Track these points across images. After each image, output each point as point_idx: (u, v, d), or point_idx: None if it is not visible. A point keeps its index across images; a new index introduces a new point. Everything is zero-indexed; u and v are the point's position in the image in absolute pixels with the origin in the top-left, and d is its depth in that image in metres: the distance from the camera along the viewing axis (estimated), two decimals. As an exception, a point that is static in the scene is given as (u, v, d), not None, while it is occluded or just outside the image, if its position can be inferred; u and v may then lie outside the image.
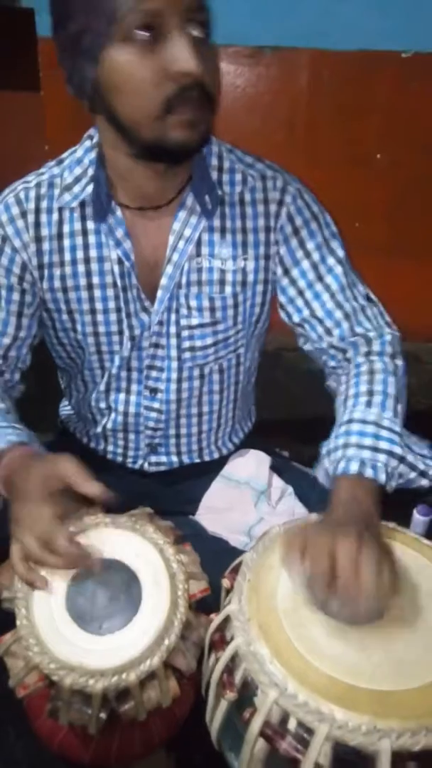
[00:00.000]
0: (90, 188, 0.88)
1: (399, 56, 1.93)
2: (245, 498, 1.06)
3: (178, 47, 0.72)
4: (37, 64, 1.87)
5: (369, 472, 0.78)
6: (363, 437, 0.82)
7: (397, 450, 0.81)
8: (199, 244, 0.91)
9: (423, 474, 0.84)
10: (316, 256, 0.93)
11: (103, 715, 0.68)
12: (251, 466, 1.10)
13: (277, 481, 1.09)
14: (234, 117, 2.03)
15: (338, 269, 0.93)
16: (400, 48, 1.92)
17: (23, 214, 0.91)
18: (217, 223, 0.91)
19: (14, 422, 0.89)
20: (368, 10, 1.84)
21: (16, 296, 0.94)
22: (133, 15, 0.71)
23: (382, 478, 0.79)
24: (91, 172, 0.88)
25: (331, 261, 0.93)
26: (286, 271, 0.94)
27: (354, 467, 0.79)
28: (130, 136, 0.78)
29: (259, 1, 1.83)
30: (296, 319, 0.96)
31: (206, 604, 0.76)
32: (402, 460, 0.82)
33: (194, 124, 0.76)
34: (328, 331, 0.94)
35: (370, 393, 0.88)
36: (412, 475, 0.83)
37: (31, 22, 1.77)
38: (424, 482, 0.84)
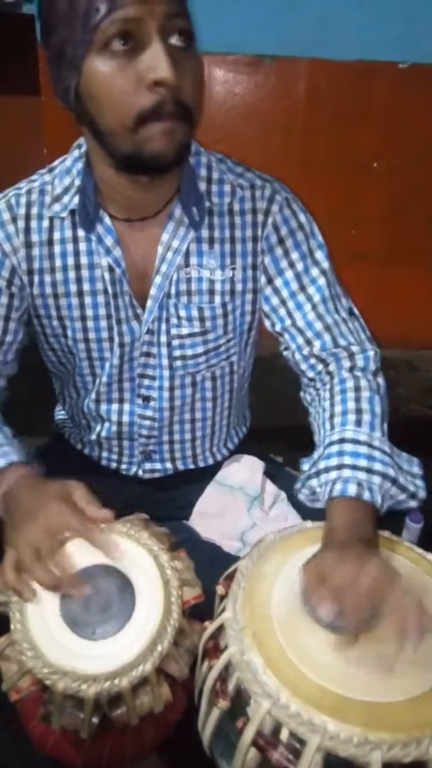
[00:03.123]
0: (77, 198, 0.88)
1: (396, 67, 1.95)
2: (238, 503, 1.07)
3: (153, 56, 0.71)
4: (37, 68, 1.88)
5: (366, 495, 0.77)
6: (357, 458, 0.81)
7: (390, 472, 0.80)
8: (187, 254, 0.91)
9: (413, 496, 0.83)
10: (299, 266, 0.93)
11: (95, 720, 0.68)
12: (245, 471, 1.10)
13: (271, 487, 1.09)
14: (232, 125, 2.04)
15: (321, 280, 0.93)
16: (397, 59, 1.94)
17: (14, 220, 0.91)
18: (205, 233, 0.91)
19: (10, 437, 0.89)
20: (366, 21, 1.86)
21: (4, 300, 0.94)
22: (109, 24, 0.70)
23: (378, 500, 0.78)
24: (78, 182, 0.88)
25: (314, 272, 0.93)
26: (270, 280, 0.94)
27: (352, 489, 0.77)
28: (109, 147, 0.78)
29: (258, 11, 1.85)
30: (278, 328, 0.96)
31: (200, 611, 0.76)
32: (394, 482, 0.81)
33: (169, 137, 0.75)
34: (308, 342, 0.94)
35: (359, 411, 0.86)
36: (402, 496, 0.82)
37: (32, 27, 1.78)
38: (413, 503, 0.83)
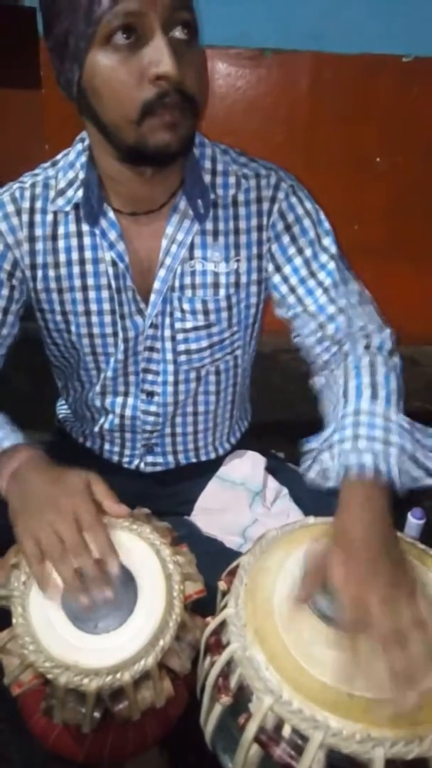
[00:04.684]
0: (81, 192, 0.88)
1: (400, 60, 1.94)
2: (240, 499, 1.07)
3: (155, 50, 0.71)
4: (39, 62, 1.87)
5: (383, 466, 0.73)
6: (374, 429, 0.77)
7: (408, 445, 0.77)
8: (192, 247, 0.91)
9: (430, 473, 0.78)
10: (308, 252, 0.92)
11: (97, 714, 0.68)
12: (246, 467, 1.10)
13: (272, 483, 1.09)
14: (234, 119, 2.03)
15: (331, 265, 0.92)
16: (400, 52, 1.93)
17: (18, 212, 0.90)
18: (209, 226, 0.91)
19: (8, 422, 0.88)
20: (369, 14, 1.85)
21: (4, 292, 0.93)
22: (111, 17, 0.70)
23: (395, 472, 0.74)
24: (82, 175, 0.88)
25: (323, 257, 0.92)
26: (278, 268, 0.94)
27: (368, 460, 0.73)
28: (113, 140, 0.78)
29: (260, 4, 1.84)
30: (289, 314, 0.95)
31: (202, 606, 0.76)
32: (412, 456, 0.77)
33: (174, 128, 0.75)
34: (322, 326, 0.92)
35: (374, 385, 0.83)
36: (419, 473, 0.77)
37: (33, 20, 1.77)
38: (430, 481, 0.78)
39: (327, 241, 0.93)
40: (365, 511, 0.70)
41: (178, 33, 0.73)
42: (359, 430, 0.77)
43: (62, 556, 0.71)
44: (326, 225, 0.94)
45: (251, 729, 0.61)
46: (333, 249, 0.93)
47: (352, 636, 0.63)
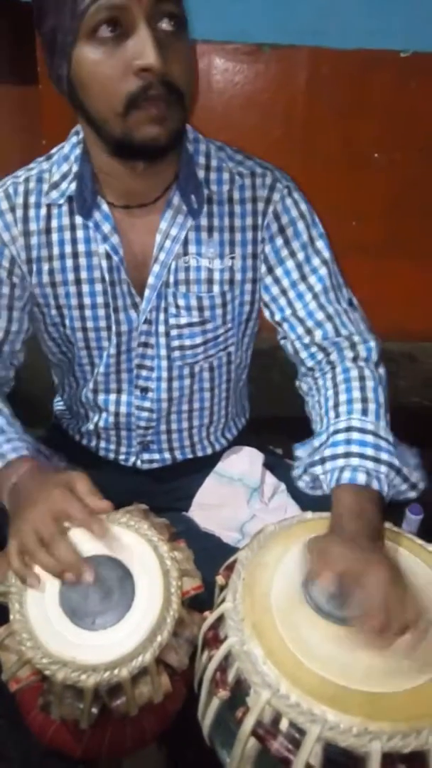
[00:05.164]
0: (74, 185, 0.88)
1: (398, 55, 1.93)
2: (238, 495, 1.07)
3: (138, 42, 0.71)
4: (35, 58, 1.86)
5: (375, 483, 0.77)
6: (365, 447, 0.80)
7: (396, 462, 0.81)
8: (186, 243, 0.91)
9: (413, 486, 0.84)
10: (300, 256, 0.93)
11: (94, 710, 0.68)
12: (244, 463, 1.10)
13: (270, 478, 1.09)
14: (232, 114, 2.03)
15: (323, 270, 0.93)
16: (399, 47, 1.92)
17: (12, 209, 0.90)
18: (204, 221, 0.91)
19: (22, 432, 0.89)
20: (367, 9, 1.84)
21: (5, 290, 0.94)
22: (95, 10, 0.70)
23: (386, 489, 0.78)
24: (75, 168, 0.88)
25: (316, 261, 0.93)
26: (270, 270, 0.94)
27: (362, 478, 0.77)
28: (101, 133, 0.78)
29: (258, -1, 1.83)
30: (277, 317, 0.96)
31: (199, 601, 0.76)
32: (399, 472, 0.81)
33: (160, 121, 0.75)
34: (309, 331, 0.93)
35: (365, 400, 0.86)
36: (404, 486, 0.83)
37: (30, 16, 1.76)
38: (412, 494, 0.84)
39: (320, 245, 0.93)
40: (356, 523, 0.73)
41: (164, 24, 0.73)
42: (351, 447, 0.81)
43: (37, 548, 0.73)
44: (320, 228, 0.94)
45: (249, 723, 0.61)
46: (326, 253, 0.93)
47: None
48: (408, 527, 1.37)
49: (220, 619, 0.70)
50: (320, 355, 0.94)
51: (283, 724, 0.61)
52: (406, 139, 2.04)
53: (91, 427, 1.08)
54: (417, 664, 0.63)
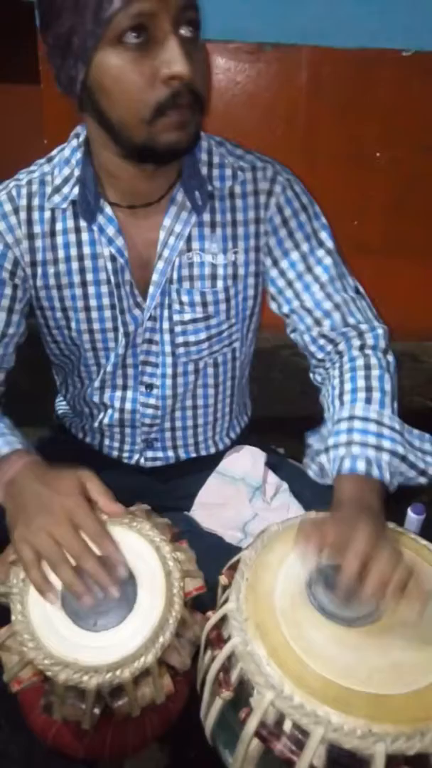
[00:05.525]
0: (77, 190, 0.88)
1: (399, 55, 1.93)
2: (240, 494, 1.07)
3: (168, 50, 0.71)
4: (37, 57, 1.86)
5: (375, 472, 0.78)
6: (366, 435, 0.81)
7: (400, 449, 0.81)
8: (189, 239, 0.91)
9: (423, 473, 0.84)
10: (305, 247, 0.93)
11: (96, 711, 0.68)
12: (247, 462, 1.10)
13: (272, 478, 1.09)
14: (233, 113, 2.02)
15: (328, 260, 0.93)
16: (400, 46, 1.92)
17: (15, 211, 0.90)
18: (207, 217, 0.91)
19: (12, 427, 0.87)
20: (369, 8, 1.84)
21: (7, 291, 0.93)
22: (123, 17, 0.70)
23: (387, 477, 0.78)
24: (77, 173, 0.88)
25: (320, 252, 0.93)
26: (275, 262, 0.94)
27: (361, 466, 0.78)
28: (120, 138, 0.78)
29: (260, -3, 1.83)
30: (285, 309, 0.96)
31: (202, 602, 0.76)
32: (404, 459, 0.81)
33: (185, 126, 0.75)
34: (318, 322, 0.94)
35: (369, 389, 0.86)
36: (412, 473, 0.83)
37: (32, 15, 1.75)
38: (423, 480, 0.84)
39: (324, 235, 0.94)
40: (357, 508, 0.73)
41: (184, 31, 0.73)
42: (353, 436, 0.81)
43: (60, 559, 0.71)
44: (322, 219, 0.95)
45: (252, 724, 0.61)
46: (329, 243, 0.94)
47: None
48: (410, 527, 1.36)
49: (224, 619, 0.70)
50: (329, 347, 0.94)
51: (287, 726, 0.60)
52: (407, 139, 2.04)
53: (95, 424, 1.08)
54: (421, 665, 0.63)
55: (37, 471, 0.79)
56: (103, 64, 0.73)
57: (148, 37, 0.71)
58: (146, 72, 0.72)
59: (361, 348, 0.92)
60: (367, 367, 0.89)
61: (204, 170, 0.90)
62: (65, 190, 0.89)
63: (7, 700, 0.73)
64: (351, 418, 0.84)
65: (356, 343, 0.92)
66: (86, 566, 0.70)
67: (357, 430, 0.82)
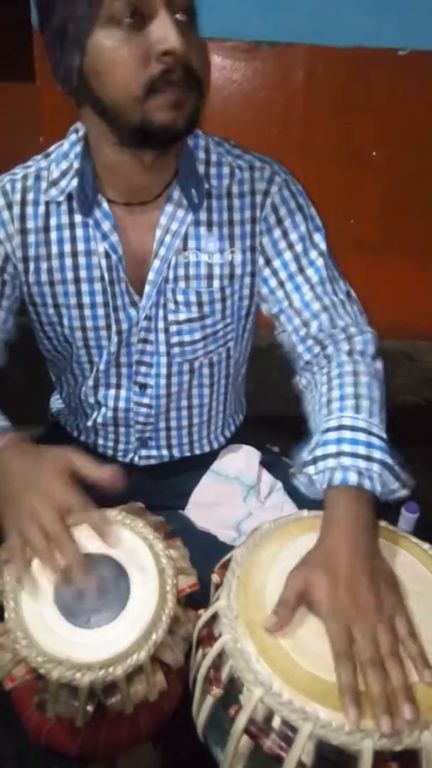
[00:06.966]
0: (75, 182, 0.88)
1: (395, 54, 1.94)
2: (234, 493, 1.07)
3: (161, 27, 0.72)
4: (33, 54, 1.86)
5: (367, 483, 0.74)
6: (356, 445, 0.78)
7: (389, 460, 0.78)
8: (186, 238, 0.91)
9: (404, 485, 0.80)
10: (298, 248, 0.93)
11: (90, 708, 0.68)
12: (241, 461, 1.10)
13: (267, 477, 1.09)
14: (229, 112, 2.03)
15: (320, 262, 0.93)
16: (396, 45, 1.92)
17: (8, 206, 0.90)
18: (204, 216, 0.91)
19: None
20: (365, 7, 1.84)
21: None
22: None
23: (378, 488, 0.75)
24: (76, 165, 0.88)
25: (313, 254, 0.93)
26: (268, 262, 0.94)
27: (353, 478, 0.74)
28: (115, 121, 0.78)
29: (256, -4, 1.83)
30: (274, 310, 0.95)
31: (195, 599, 0.76)
32: (392, 470, 0.78)
33: (179, 106, 0.75)
34: (305, 323, 0.93)
35: (357, 397, 0.83)
36: (395, 485, 0.79)
37: (27, 12, 1.75)
38: (404, 493, 0.80)
39: (318, 238, 0.93)
40: (350, 531, 0.71)
41: (179, 16, 0.74)
42: (343, 446, 0.78)
43: (45, 550, 0.72)
44: (318, 221, 0.95)
45: (241, 721, 0.61)
46: (323, 246, 0.93)
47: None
48: (404, 526, 1.37)
49: (215, 616, 0.70)
50: (316, 349, 0.93)
51: (276, 722, 0.61)
52: (403, 137, 2.05)
53: (89, 423, 1.08)
54: (409, 663, 0.63)
55: (23, 448, 0.80)
56: (97, 46, 0.74)
57: (140, 17, 0.72)
58: (139, 50, 0.73)
59: (350, 353, 0.89)
60: (356, 373, 0.86)
61: (201, 168, 0.90)
62: (62, 183, 0.88)
63: (1, 698, 0.74)
64: (340, 427, 0.80)
65: (344, 347, 0.90)
66: (63, 551, 0.72)
67: (347, 440, 0.78)
